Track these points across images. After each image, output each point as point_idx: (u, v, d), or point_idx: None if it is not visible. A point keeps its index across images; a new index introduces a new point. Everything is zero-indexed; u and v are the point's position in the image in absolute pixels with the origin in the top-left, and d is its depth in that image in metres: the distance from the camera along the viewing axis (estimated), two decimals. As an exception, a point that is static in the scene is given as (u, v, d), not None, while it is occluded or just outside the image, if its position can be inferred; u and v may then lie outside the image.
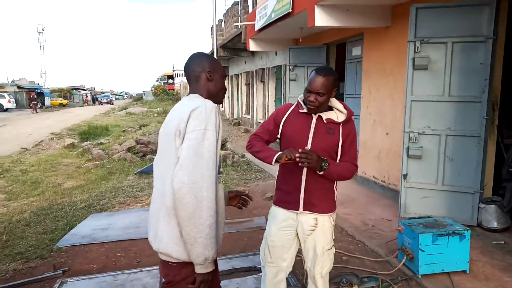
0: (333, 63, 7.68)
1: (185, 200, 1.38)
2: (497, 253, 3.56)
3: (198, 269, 1.47)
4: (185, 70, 1.69)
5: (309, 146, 2.01)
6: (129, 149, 9.58)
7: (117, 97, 78.98)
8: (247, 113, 16.16)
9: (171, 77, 66.70)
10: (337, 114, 2.06)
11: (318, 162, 1.90)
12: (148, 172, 7.23)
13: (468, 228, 3.18)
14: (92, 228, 4.47)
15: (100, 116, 25.35)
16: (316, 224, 2.08)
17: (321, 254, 2.10)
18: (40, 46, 66.65)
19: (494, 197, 4.21)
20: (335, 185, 2.16)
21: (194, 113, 1.44)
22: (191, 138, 1.42)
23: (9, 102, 31.20)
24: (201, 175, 1.40)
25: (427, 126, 4.22)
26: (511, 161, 4.34)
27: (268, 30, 7.36)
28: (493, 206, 4.02)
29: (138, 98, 55.25)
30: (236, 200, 1.97)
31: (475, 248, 3.61)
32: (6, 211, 5.48)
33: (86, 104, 51.21)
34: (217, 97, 1.66)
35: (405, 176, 4.40)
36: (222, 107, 21.54)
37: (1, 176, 7.93)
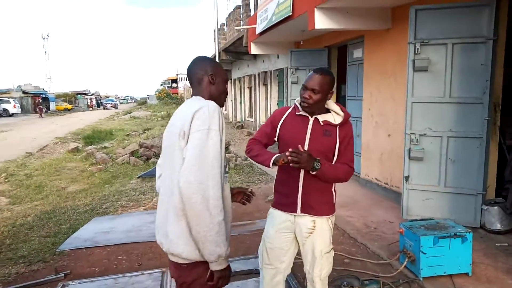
0: (334, 65, 7.68)
1: (193, 199, 1.40)
2: (501, 255, 3.52)
3: (213, 267, 1.51)
4: (188, 73, 1.72)
5: (306, 148, 2.01)
6: (132, 153, 9.63)
7: (121, 101, 79.49)
8: (250, 116, 16.19)
9: (175, 81, 67.03)
10: (334, 116, 2.07)
11: (309, 161, 1.90)
12: (151, 175, 7.25)
13: (470, 230, 3.15)
14: (95, 231, 4.49)
15: (104, 120, 25.50)
16: (314, 226, 2.08)
17: (319, 257, 2.09)
18: (45, 52, 67.29)
19: (497, 199, 4.18)
20: (333, 188, 2.16)
21: (197, 114, 1.47)
22: (195, 138, 1.44)
23: (15, 107, 31.49)
24: (207, 174, 1.42)
25: (428, 127, 4.21)
26: (514, 163, 4.31)
27: (269, 34, 7.39)
28: (496, 207, 3.99)
29: (142, 102, 55.60)
30: (240, 196, 2.00)
31: (478, 250, 3.58)
32: (10, 215, 5.52)
33: (90, 108, 51.55)
34: (218, 100, 1.68)
35: (407, 178, 4.38)
36: (226, 110, 21.60)
37: (6, 180, 7.99)
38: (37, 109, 32.74)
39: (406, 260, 3.21)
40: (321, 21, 4.99)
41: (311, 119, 2.07)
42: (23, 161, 10.16)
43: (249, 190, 2.01)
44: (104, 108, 51.80)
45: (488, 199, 4.15)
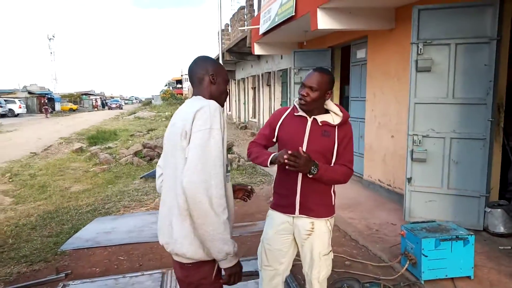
0: (338, 66, 7.66)
1: (198, 199, 1.41)
2: (504, 259, 3.48)
3: (223, 265, 1.51)
4: (189, 72, 1.72)
5: (304, 149, 1.99)
6: (136, 153, 9.65)
7: (126, 102, 79.83)
8: (254, 116, 16.19)
9: (179, 81, 67.23)
10: (333, 116, 2.05)
11: (306, 166, 1.89)
12: (154, 176, 7.24)
13: (472, 233, 3.12)
14: (96, 231, 4.50)
15: (109, 120, 25.61)
16: (313, 228, 2.06)
17: (317, 259, 2.07)
18: (51, 52, 67.81)
19: (501, 201, 4.13)
20: (332, 189, 2.14)
21: (198, 114, 1.47)
22: (197, 138, 1.44)
23: (20, 107, 31.74)
24: (210, 174, 1.43)
25: (431, 129, 4.17)
26: (518, 164, 4.26)
27: (272, 34, 7.38)
28: (499, 210, 3.94)
29: (147, 103, 55.78)
30: (241, 193, 2.01)
31: (481, 253, 3.54)
32: (14, 214, 5.55)
33: (95, 109, 51.83)
34: (219, 100, 1.68)
35: (409, 179, 4.35)
36: (230, 111, 21.62)
37: (10, 180, 8.04)
38: (43, 110, 32.98)
39: (408, 262, 3.18)
40: (324, 21, 4.97)
41: (310, 120, 2.05)
42: (27, 161, 10.22)
43: (249, 187, 2.02)
44: (109, 109, 52.05)
45: (492, 202, 4.11)
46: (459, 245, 3.06)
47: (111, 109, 51.13)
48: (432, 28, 4.03)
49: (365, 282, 3.09)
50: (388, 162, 5.59)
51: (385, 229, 4.36)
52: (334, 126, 2.03)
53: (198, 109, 1.48)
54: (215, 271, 1.58)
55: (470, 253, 3.08)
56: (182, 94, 54.89)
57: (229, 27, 19.22)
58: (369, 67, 6.05)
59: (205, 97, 1.64)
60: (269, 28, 7.04)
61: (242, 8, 16.44)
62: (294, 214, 2.08)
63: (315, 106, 2.04)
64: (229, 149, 10.07)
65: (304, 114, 2.07)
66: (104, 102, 58.88)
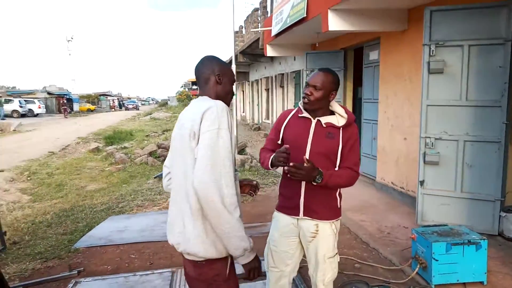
0: (350, 67, 7.60)
1: (210, 198, 1.43)
2: (519, 265, 3.40)
3: (241, 261, 1.54)
4: (195, 72, 1.73)
5: (308, 150, 1.99)
6: (150, 153, 9.81)
7: (143, 102, 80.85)
8: (267, 118, 16.20)
9: (194, 83, 67.56)
10: (338, 118, 2.04)
11: (310, 175, 1.88)
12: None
13: (485, 238, 3.06)
14: (110, 230, 4.59)
15: (125, 121, 26.00)
16: (317, 231, 2.06)
17: (322, 261, 2.07)
18: (69, 54, 69.49)
19: (517, 206, 4.03)
20: (338, 192, 2.13)
21: (206, 114, 1.49)
22: (206, 139, 1.46)
23: (39, 107, 32.47)
24: (220, 173, 1.45)
25: (444, 131, 4.11)
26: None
27: (284, 36, 7.38)
28: (515, 214, 3.85)
29: (163, 104, 56.34)
30: (247, 188, 2.02)
31: (496, 259, 3.46)
32: (31, 212, 5.72)
33: (113, 109, 52.62)
34: (225, 100, 1.68)
35: (422, 182, 4.29)
36: (243, 112, 21.67)
37: (29, 178, 8.28)
38: (62, 110, 33.70)
39: (418, 266, 3.14)
40: (335, 23, 4.95)
41: (314, 121, 2.04)
42: (45, 160, 10.49)
43: (255, 182, 2.02)
44: (126, 109, 52.78)
45: (507, 206, 4.01)
46: (471, 250, 3.00)
47: (128, 109, 51.84)
48: (445, 29, 3.97)
49: (375, 285, 3.07)
50: (401, 165, 5.52)
51: (397, 232, 4.31)
52: (338, 128, 2.01)
53: (205, 110, 1.50)
54: (228, 267, 1.60)
55: (483, 258, 3.02)
56: (197, 95, 55.13)
57: (243, 29, 19.28)
58: (381, 69, 5.99)
59: (211, 97, 1.65)
60: (281, 29, 7.05)
61: (256, 10, 16.49)
62: (299, 216, 2.08)
63: (319, 106, 2.02)
64: (242, 150, 10.11)
65: (308, 116, 2.06)
66: (121, 102, 59.74)
